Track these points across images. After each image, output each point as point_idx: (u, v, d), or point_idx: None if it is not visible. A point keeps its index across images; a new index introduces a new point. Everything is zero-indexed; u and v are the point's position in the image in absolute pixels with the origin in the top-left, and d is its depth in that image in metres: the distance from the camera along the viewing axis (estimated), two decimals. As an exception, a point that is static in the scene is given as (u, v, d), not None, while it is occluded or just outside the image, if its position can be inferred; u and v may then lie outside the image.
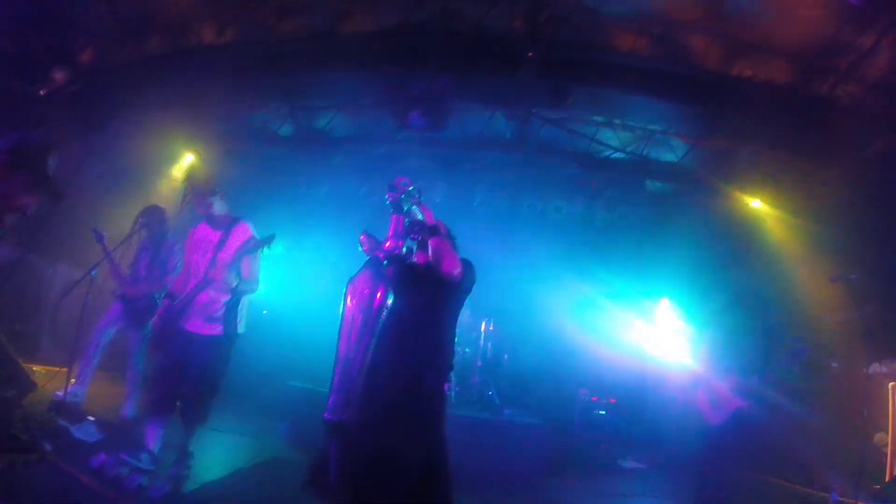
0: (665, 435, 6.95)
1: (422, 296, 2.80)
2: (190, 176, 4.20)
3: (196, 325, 3.94)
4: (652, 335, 7.36)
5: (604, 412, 6.80)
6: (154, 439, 3.96)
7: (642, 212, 8.35)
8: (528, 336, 7.60)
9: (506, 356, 7.42)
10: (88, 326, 5.36)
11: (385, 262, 2.16)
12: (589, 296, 7.45)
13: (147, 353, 4.48)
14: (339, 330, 2.07)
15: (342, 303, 2.10)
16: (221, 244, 4.01)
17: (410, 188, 2.27)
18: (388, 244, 2.21)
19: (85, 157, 6.62)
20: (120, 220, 5.68)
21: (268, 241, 3.88)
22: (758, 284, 5.33)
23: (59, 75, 6.50)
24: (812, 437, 5.76)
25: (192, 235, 4.22)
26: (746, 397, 4.66)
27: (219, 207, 4.16)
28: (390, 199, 2.23)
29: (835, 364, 6.16)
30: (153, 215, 5.45)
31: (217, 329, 3.95)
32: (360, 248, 2.20)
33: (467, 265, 2.69)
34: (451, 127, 6.71)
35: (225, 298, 3.96)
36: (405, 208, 2.23)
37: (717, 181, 7.07)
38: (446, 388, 2.68)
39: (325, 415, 2.01)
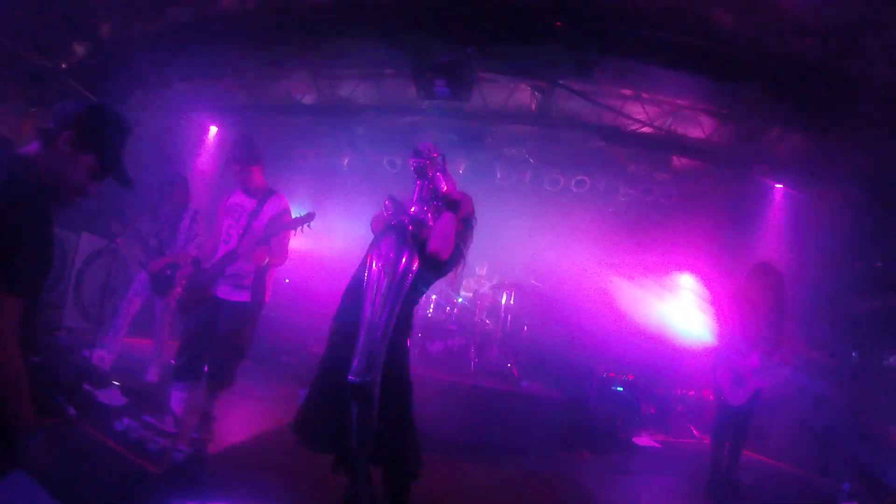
0: (681, 414, 6.95)
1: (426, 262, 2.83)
2: (235, 143, 4.20)
3: (225, 292, 4.05)
4: (673, 312, 7.30)
5: (621, 388, 6.79)
6: (179, 403, 4.12)
7: (667, 189, 8.23)
8: (548, 310, 7.59)
9: (525, 329, 7.44)
10: (114, 295, 5.49)
11: (410, 227, 2.15)
12: (610, 271, 7.39)
13: (175, 317, 4.56)
14: (364, 293, 2.08)
15: (367, 267, 2.10)
16: (255, 214, 4.11)
17: (435, 154, 2.26)
18: (413, 209, 2.20)
19: None
20: (142, 191, 5.76)
21: (307, 219, 3.98)
22: (781, 264, 5.22)
23: (79, 49, 6.52)
24: (828, 425, 5.71)
25: (226, 201, 4.29)
26: (767, 377, 4.64)
27: (257, 177, 4.22)
28: (414, 164, 2.22)
29: (854, 353, 6.07)
30: (175, 185, 5.53)
31: (245, 296, 4.05)
32: (385, 213, 2.20)
33: (457, 252, 2.66)
34: (474, 99, 6.63)
35: (254, 268, 4.04)
36: (430, 174, 2.22)
37: (744, 160, 6.92)
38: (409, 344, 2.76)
39: (350, 377, 2.03)
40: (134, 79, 6.73)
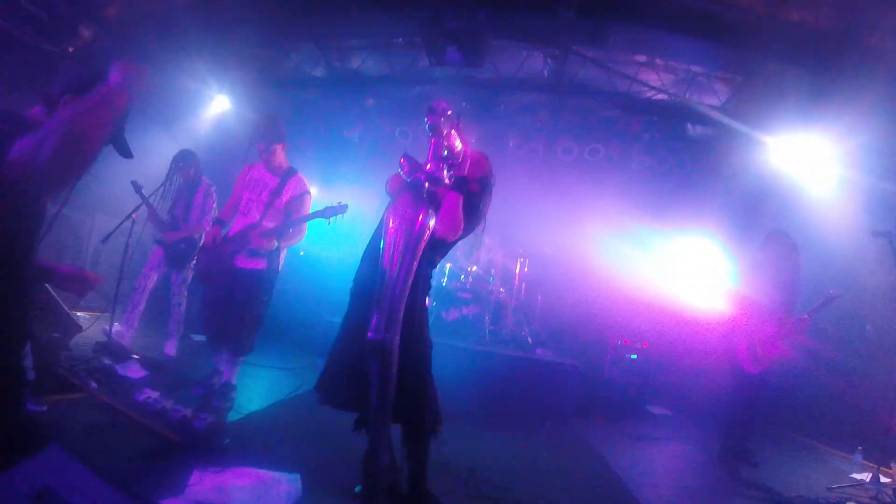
0: (696, 382, 6.95)
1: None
2: (260, 121, 4.32)
3: (242, 261, 4.19)
4: (687, 280, 7.27)
5: (635, 356, 6.81)
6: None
7: (682, 157, 8.13)
8: (562, 278, 7.60)
9: (539, 297, 7.47)
10: (131, 272, 5.56)
11: (427, 185, 2.15)
12: (624, 239, 7.35)
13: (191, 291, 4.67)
14: (382, 251, 2.09)
15: (384, 225, 2.11)
16: (278, 192, 4.26)
17: (449, 112, 2.24)
18: (428, 166, 2.19)
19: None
20: (155, 167, 5.81)
21: (341, 210, 4.17)
22: (797, 232, 5.15)
23: (85, 32, 6.49)
24: (842, 396, 5.69)
25: (247, 173, 4.41)
26: (783, 346, 4.61)
27: (280, 155, 4.35)
28: (429, 121, 2.20)
29: (868, 326, 6.02)
30: (187, 160, 5.57)
31: (261, 264, 4.22)
32: (400, 172, 2.20)
33: (469, 225, 2.69)
34: (486, 67, 6.55)
35: (273, 242, 4.19)
36: (444, 132, 2.21)
37: (760, 128, 6.78)
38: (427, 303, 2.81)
39: (369, 334, 2.05)
40: (143, 57, 6.69)
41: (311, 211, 4.35)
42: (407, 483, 2.82)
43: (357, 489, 2.45)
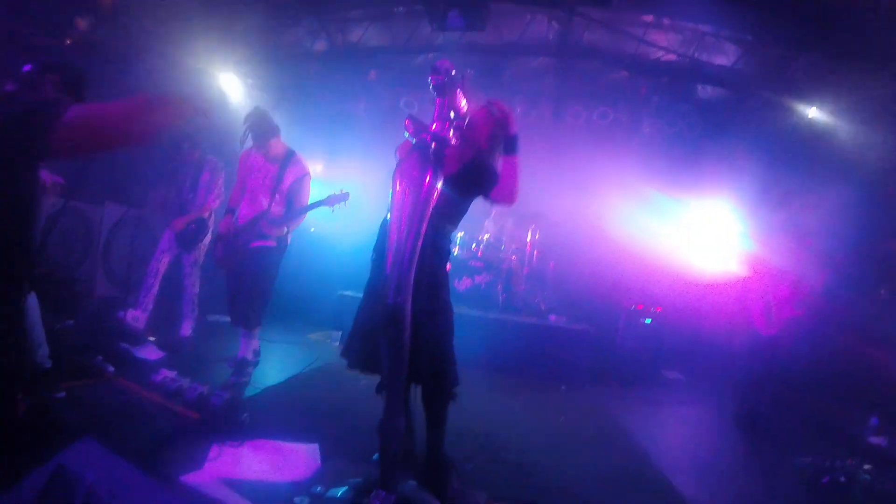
0: (710, 347, 6.92)
1: (454, 184, 2.83)
2: (250, 119, 4.28)
3: (255, 244, 4.38)
4: (700, 243, 7.19)
5: (649, 321, 6.77)
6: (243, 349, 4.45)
7: (692, 119, 7.97)
8: (574, 244, 7.55)
9: (552, 264, 7.44)
10: (140, 258, 5.58)
11: (433, 145, 2.10)
12: (636, 203, 7.25)
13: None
14: (390, 215, 2.05)
15: (392, 189, 2.07)
16: (279, 178, 4.41)
17: (454, 72, 2.18)
18: (434, 127, 2.14)
19: (116, 95, 6.58)
20: (158, 152, 5.78)
21: (343, 198, 4.43)
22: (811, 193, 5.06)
23: (81, 23, 6.40)
24: (857, 361, 5.63)
25: (247, 160, 4.51)
26: (797, 307, 4.56)
27: (275, 146, 4.44)
28: (433, 81, 2.14)
29: (882, 291, 5.93)
30: (188, 143, 5.55)
31: (271, 242, 4.41)
32: (405, 133, 2.15)
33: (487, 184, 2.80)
34: (489, 32, 6.40)
35: (283, 229, 4.44)
36: (449, 92, 2.15)
37: (771, 88, 6.62)
38: (447, 269, 2.92)
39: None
40: (140, 45, 6.61)
41: (311, 192, 4.54)
42: (425, 447, 2.86)
43: (375, 457, 2.46)
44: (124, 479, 1.52)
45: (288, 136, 4.71)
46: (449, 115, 2.17)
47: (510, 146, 2.70)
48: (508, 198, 2.77)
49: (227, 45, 7.18)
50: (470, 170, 2.84)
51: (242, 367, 4.43)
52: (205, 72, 7.50)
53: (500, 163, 2.76)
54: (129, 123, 1.62)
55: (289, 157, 4.50)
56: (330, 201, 4.43)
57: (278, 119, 5.81)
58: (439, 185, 2.07)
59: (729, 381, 5.71)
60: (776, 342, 4.59)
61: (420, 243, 2.03)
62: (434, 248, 2.72)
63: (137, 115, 1.62)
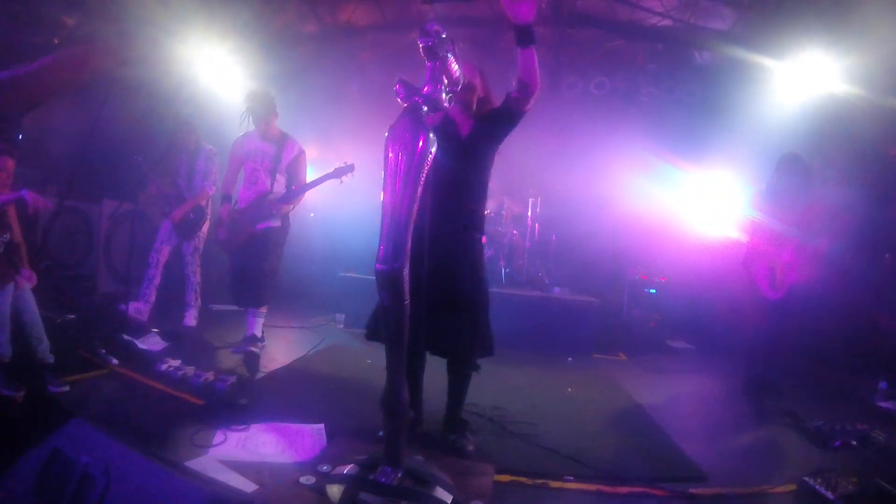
0: (716, 315, 6.87)
1: (459, 151, 2.92)
2: (252, 97, 4.52)
3: (261, 225, 4.58)
4: (704, 211, 7.11)
5: (654, 290, 6.73)
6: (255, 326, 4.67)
7: (690, 87, 7.84)
8: (575, 216, 7.49)
9: (554, 237, 7.39)
10: (141, 251, 5.55)
11: (425, 108, 2.03)
12: (636, 173, 7.17)
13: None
14: (384, 180, 2.00)
15: (384, 154, 2.01)
16: (278, 159, 4.61)
17: (444, 34, 2.11)
18: (425, 89, 2.07)
19: (111, 89, 6.49)
20: (157, 141, 5.72)
21: (349, 169, 4.57)
22: (812, 158, 4.96)
23: (68, 20, 6.30)
24: (864, 325, 5.58)
25: (244, 145, 4.68)
26: (802, 271, 4.50)
27: (274, 126, 4.67)
28: (423, 44, 2.07)
29: (887, 255, 5.87)
30: (184, 130, 5.53)
31: (276, 222, 4.64)
32: (397, 98, 2.08)
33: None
34: (482, 4, 6.30)
35: (290, 206, 4.67)
36: (440, 54, 2.08)
37: (768, 52, 6.48)
38: (483, 239, 3.04)
39: (377, 265, 1.98)
40: (133, 34, 6.50)
41: (308, 170, 4.76)
42: (445, 411, 3.10)
43: (381, 434, 2.43)
44: (118, 460, 1.48)
45: (282, 120, 4.76)
46: (441, 78, 2.10)
47: (522, 38, 2.55)
48: (532, 89, 2.75)
49: (219, 33, 7.07)
50: (480, 124, 2.96)
51: (253, 342, 4.63)
52: (195, 60, 7.40)
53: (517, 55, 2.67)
54: (52, 77, 1.64)
55: (284, 137, 4.69)
56: (337, 174, 4.56)
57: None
58: (433, 150, 2.01)
59: (735, 348, 5.68)
60: (783, 308, 4.52)
61: (416, 207, 1.97)
62: (467, 220, 2.93)
63: (59, 69, 1.63)
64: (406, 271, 1.96)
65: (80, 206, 6.49)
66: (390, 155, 1.98)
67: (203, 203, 5.51)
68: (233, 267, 4.69)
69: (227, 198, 4.71)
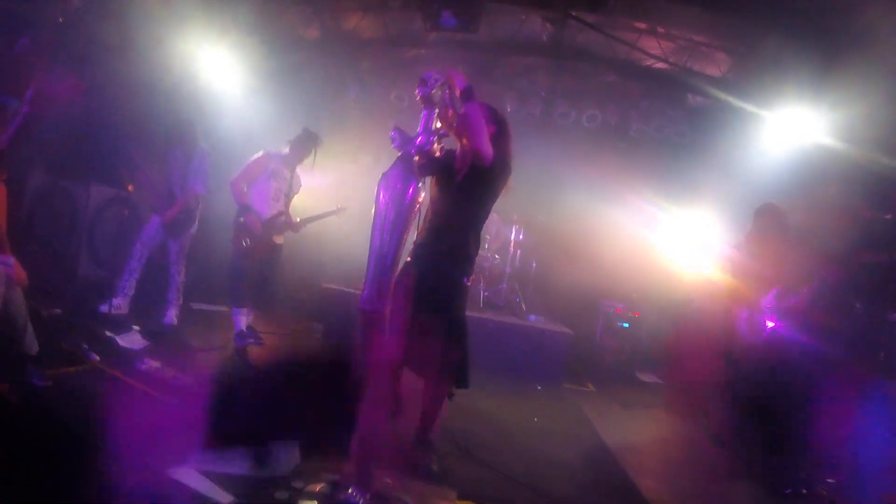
0: (686, 352, 7.00)
1: (448, 189, 2.93)
2: (318, 143, 5.21)
3: (277, 239, 5.18)
4: (683, 250, 7.27)
5: (626, 325, 6.89)
6: (241, 323, 5.00)
7: (680, 126, 8.06)
8: (557, 245, 7.62)
9: (534, 264, 7.51)
10: (127, 242, 5.56)
11: (416, 157, 2.15)
12: (620, 207, 7.33)
13: (232, 257, 5.03)
14: (373, 224, 2.11)
15: (375, 198, 2.12)
16: (290, 184, 5.19)
17: (441, 82, 2.23)
18: (419, 139, 2.19)
19: (108, 79, 6.50)
20: (146, 135, 5.75)
21: (342, 211, 5.55)
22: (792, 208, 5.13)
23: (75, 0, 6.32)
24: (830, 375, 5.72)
25: (270, 164, 5.03)
26: (782, 317, 4.59)
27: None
28: (420, 93, 2.19)
29: (858, 304, 6.05)
30: (182, 127, 5.55)
31: (282, 239, 5.25)
32: (391, 145, 2.20)
33: (500, 147, 2.81)
34: (482, 30, 6.42)
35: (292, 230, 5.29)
36: (437, 103, 2.20)
37: (761, 101, 6.69)
38: (466, 281, 3.04)
39: (361, 305, 2.09)
40: (133, 27, 6.53)
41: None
42: (414, 432, 3.24)
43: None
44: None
45: (278, 122, 4.91)
46: (434, 127, 2.22)
47: (464, 97, 2.51)
48: (476, 149, 2.55)
49: (218, 29, 7.11)
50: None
51: (254, 334, 5.18)
52: (196, 55, 7.44)
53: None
54: None
55: (295, 168, 5.23)
56: (335, 213, 5.52)
57: (270, 105, 6.88)
58: (422, 197, 2.13)
59: (702, 385, 5.82)
60: (760, 349, 4.58)
61: (401, 252, 2.09)
62: (452, 258, 2.92)
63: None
64: (387, 311, 2.08)
65: (67, 186, 6.42)
66: (381, 199, 2.10)
67: (193, 204, 5.55)
68: (252, 273, 5.02)
69: (248, 208, 4.88)
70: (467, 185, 2.89)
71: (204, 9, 6.56)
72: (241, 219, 4.87)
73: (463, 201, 2.89)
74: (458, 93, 2.44)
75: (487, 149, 2.57)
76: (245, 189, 4.92)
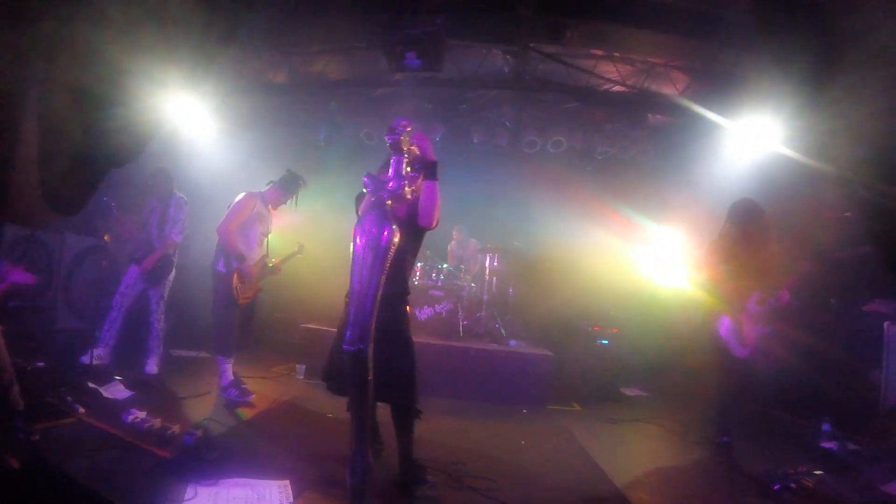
0: (668, 363, 7.13)
1: (408, 232, 3.08)
2: (301, 186, 5.40)
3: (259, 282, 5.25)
4: (654, 266, 7.48)
5: (606, 342, 7.03)
6: (230, 373, 5.09)
7: (644, 145, 8.32)
8: (532, 270, 7.77)
9: (511, 290, 7.64)
10: (106, 292, 5.56)
11: (389, 203, 2.28)
12: (591, 228, 7.53)
13: (222, 306, 5.03)
14: (352, 268, 2.21)
15: (352, 243, 2.23)
16: (269, 227, 5.27)
17: (409, 129, 2.37)
18: (391, 184, 2.32)
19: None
20: (122, 183, 5.79)
21: (300, 251, 5.80)
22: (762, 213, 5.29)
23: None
24: (812, 370, 5.84)
25: (256, 206, 5.08)
26: (766, 322, 4.54)
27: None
28: (390, 140, 2.33)
29: (833, 300, 6.21)
30: (159, 177, 5.64)
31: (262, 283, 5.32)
32: (364, 190, 2.32)
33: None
34: (447, 66, 6.63)
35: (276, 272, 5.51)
36: (405, 149, 2.33)
37: (718, 115, 6.96)
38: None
39: (345, 346, 2.19)
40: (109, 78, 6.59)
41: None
42: (399, 455, 3.38)
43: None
44: None
45: (249, 165, 4.99)
46: (404, 172, 2.35)
47: (430, 172, 2.97)
48: (426, 220, 3.06)
49: (191, 78, 7.20)
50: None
51: (238, 384, 5.10)
52: (169, 107, 7.51)
53: (422, 189, 3.02)
54: None
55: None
56: (297, 253, 5.72)
57: (242, 148, 7.12)
58: (397, 240, 2.24)
59: (687, 395, 5.93)
60: (750, 365, 4.56)
61: (380, 294, 2.19)
62: (395, 293, 3.07)
63: None
64: (370, 350, 2.17)
65: (41, 237, 6.41)
66: (358, 243, 2.21)
67: (171, 251, 5.60)
68: (239, 318, 5.07)
69: (243, 256, 4.93)
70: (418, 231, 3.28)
71: (176, 58, 6.65)
72: (236, 266, 4.89)
73: (413, 244, 3.30)
74: (428, 156, 2.86)
75: (436, 219, 3.08)
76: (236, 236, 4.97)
